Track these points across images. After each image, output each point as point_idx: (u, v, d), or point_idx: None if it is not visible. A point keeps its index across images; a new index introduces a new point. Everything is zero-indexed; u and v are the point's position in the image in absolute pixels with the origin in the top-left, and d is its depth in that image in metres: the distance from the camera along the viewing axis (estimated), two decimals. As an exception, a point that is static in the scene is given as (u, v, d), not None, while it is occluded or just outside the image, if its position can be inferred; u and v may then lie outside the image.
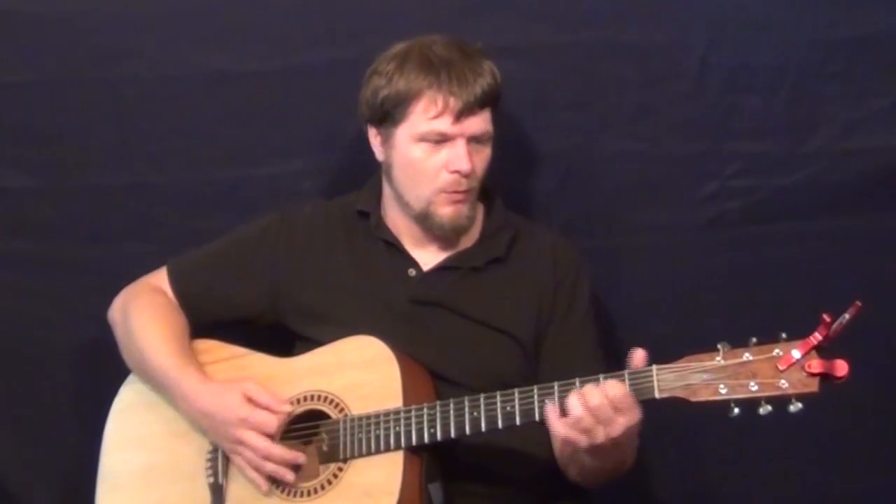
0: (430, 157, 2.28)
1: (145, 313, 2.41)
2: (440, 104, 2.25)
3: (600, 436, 2.01)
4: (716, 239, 2.64)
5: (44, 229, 2.77)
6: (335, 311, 2.35)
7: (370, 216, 2.40)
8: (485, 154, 2.31)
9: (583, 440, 2.03)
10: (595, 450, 2.06)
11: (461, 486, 2.25)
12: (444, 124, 2.26)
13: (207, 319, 2.42)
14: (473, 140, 2.28)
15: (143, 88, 2.71)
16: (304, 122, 2.70)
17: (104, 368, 2.51)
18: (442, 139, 2.27)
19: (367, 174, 2.49)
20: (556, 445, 2.28)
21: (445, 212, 2.30)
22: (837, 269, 2.60)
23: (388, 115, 2.30)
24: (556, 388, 2.08)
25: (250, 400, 2.23)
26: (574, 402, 2.02)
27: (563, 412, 2.03)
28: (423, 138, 2.28)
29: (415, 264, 2.36)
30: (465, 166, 2.26)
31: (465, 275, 2.35)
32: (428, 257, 2.37)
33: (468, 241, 2.39)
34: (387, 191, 2.39)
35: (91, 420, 2.46)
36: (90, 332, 2.74)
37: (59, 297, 2.78)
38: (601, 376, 2.03)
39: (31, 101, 2.73)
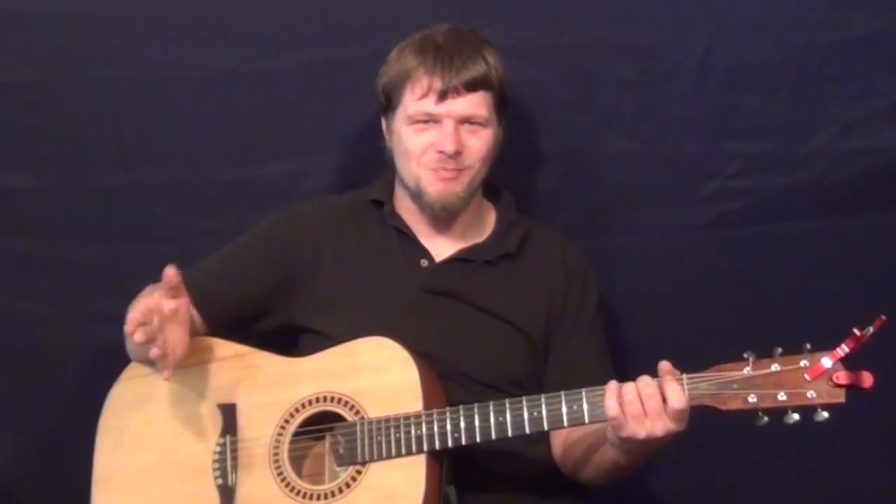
0: (418, 136, 2.33)
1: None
2: (425, 85, 2.31)
3: (643, 430, 2.05)
4: (716, 239, 2.64)
5: (44, 229, 2.77)
6: (346, 300, 2.36)
7: (384, 205, 2.42)
8: (482, 137, 2.34)
9: (626, 427, 2.05)
10: (629, 442, 2.08)
11: (469, 485, 2.24)
12: (429, 104, 2.31)
13: (221, 318, 2.40)
14: (465, 122, 2.32)
15: (143, 88, 2.71)
16: (305, 122, 2.70)
17: (104, 368, 2.50)
18: (428, 119, 2.32)
19: (367, 173, 2.49)
20: (559, 444, 2.30)
21: (434, 189, 2.33)
22: (837, 269, 2.61)
23: (389, 101, 2.37)
24: (584, 394, 2.11)
25: None
26: (629, 387, 2.06)
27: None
28: (412, 119, 2.33)
29: (427, 255, 2.38)
30: (448, 146, 2.29)
31: (477, 268, 2.37)
32: (440, 249, 2.39)
33: (480, 235, 2.42)
34: (397, 180, 2.41)
35: (91, 420, 2.44)
36: (90, 332, 2.74)
37: (59, 297, 2.77)
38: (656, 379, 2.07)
39: (31, 101, 2.73)
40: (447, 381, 2.27)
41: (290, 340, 2.42)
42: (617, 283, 2.63)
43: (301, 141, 2.72)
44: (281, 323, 2.44)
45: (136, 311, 2.17)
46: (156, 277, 2.48)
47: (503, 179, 2.48)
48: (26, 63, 2.71)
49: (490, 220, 2.45)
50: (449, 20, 2.46)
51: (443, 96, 2.30)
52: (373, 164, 2.48)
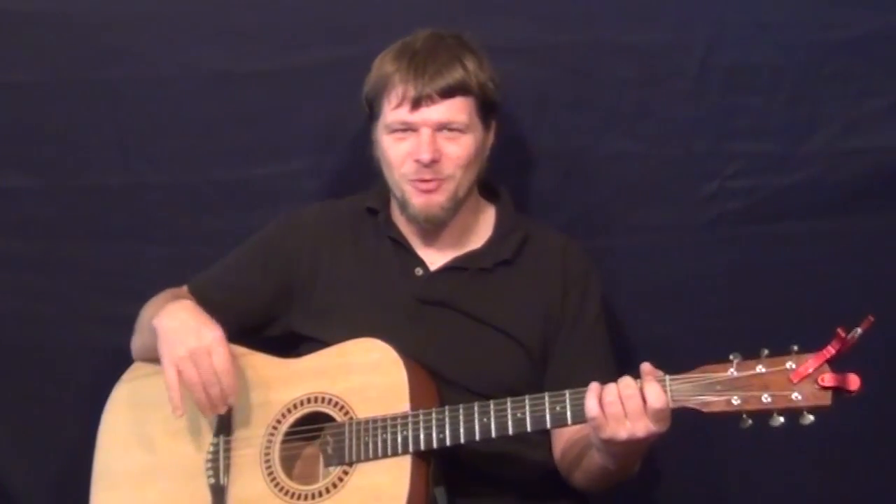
0: (397, 145, 2.30)
1: (159, 296, 2.43)
2: (400, 93, 2.28)
3: (624, 431, 2.02)
4: (716, 239, 2.64)
5: (44, 229, 2.77)
6: (342, 309, 2.35)
7: (379, 214, 2.41)
8: (462, 143, 2.29)
9: (606, 428, 2.03)
10: (612, 444, 2.06)
11: (462, 488, 2.24)
12: (403, 113, 2.28)
13: (227, 328, 2.34)
14: (443, 129, 2.28)
15: (143, 88, 2.71)
16: (304, 122, 2.70)
17: (104, 368, 2.51)
18: (405, 128, 2.29)
19: (367, 174, 2.49)
20: (560, 446, 2.30)
21: (417, 201, 2.31)
22: (837, 269, 2.61)
23: (372, 110, 2.35)
24: (567, 395, 2.09)
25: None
26: (611, 388, 2.04)
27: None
28: (390, 128, 2.30)
29: (422, 263, 2.36)
30: (423, 155, 2.26)
31: (472, 276, 2.35)
32: (435, 257, 2.37)
33: (477, 241, 2.39)
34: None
35: (91, 420, 2.45)
36: (90, 332, 2.74)
37: (59, 297, 2.78)
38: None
39: (31, 101, 2.73)
40: (443, 391, 2.26)
41: (293, 347, 2.41)
42: (616, 283, 2.62)
43: (301, 141, 2.71)
44: (284, 331, 2.43)
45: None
46: (156, 277, 2.50)
47: (503, 180, 2.48)
48: (26, 63, 2.71)
49: (488, 223, 2.42)
50: (449, 20, 2.46)
51: (417, 104, 2.27)
52: (372, 164, 2.47)
